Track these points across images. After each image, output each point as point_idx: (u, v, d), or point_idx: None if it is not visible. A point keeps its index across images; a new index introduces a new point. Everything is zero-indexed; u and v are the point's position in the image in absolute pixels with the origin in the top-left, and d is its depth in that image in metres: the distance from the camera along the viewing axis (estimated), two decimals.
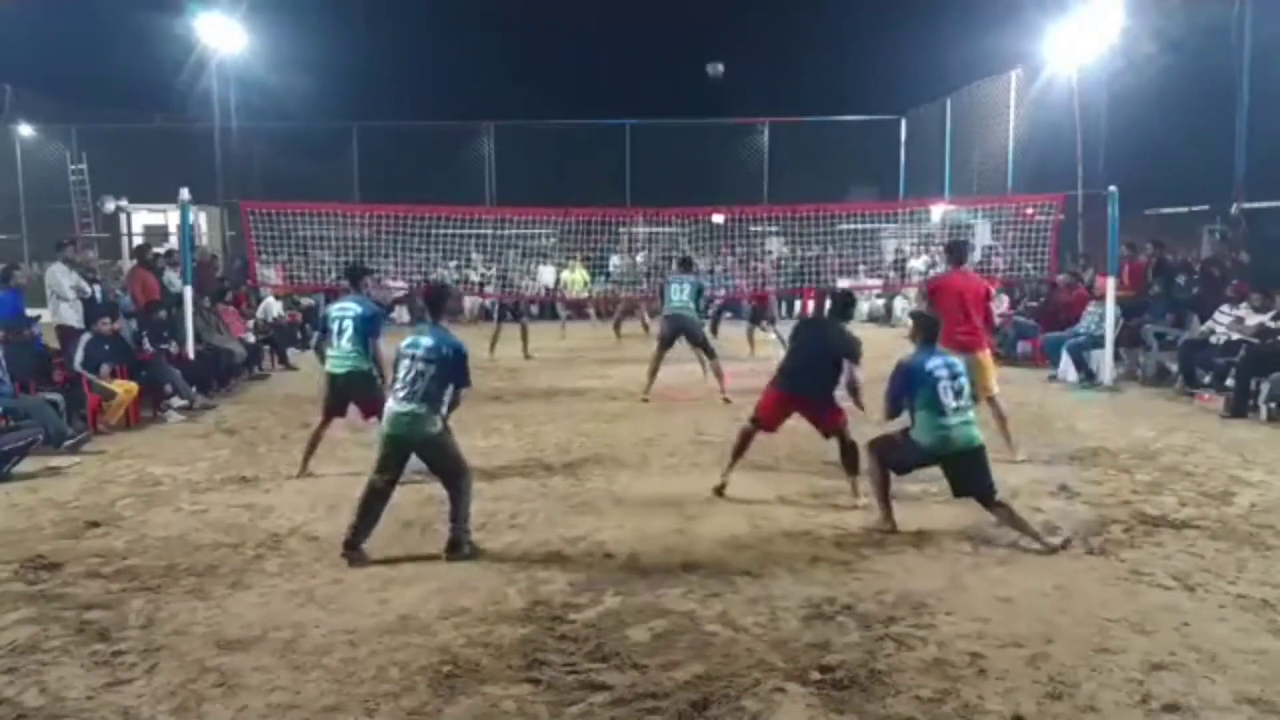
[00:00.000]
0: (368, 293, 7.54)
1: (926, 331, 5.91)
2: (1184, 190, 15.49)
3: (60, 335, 10.59)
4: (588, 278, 17.58)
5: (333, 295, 17.56)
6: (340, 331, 7.11)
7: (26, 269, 13.77)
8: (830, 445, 8.16)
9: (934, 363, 5.72)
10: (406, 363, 5.37)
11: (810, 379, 6.52)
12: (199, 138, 21.84)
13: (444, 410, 5.44)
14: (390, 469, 5.40)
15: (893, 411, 5.83)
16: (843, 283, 18.56)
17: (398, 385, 5.36)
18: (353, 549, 5.34)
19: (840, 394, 6.58)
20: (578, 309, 17.68)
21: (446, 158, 23.95)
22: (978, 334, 7.53)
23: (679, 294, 10.75)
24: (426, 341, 5.38)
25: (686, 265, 11.71)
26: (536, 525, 6.01)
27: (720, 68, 19.47)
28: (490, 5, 28.25)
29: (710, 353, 10.70)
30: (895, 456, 5.88)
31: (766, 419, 6.66)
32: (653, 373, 10.72)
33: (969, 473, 5.66)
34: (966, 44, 20.04)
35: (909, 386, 5.71)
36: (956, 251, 8.00)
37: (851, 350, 6.45)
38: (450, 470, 5.47)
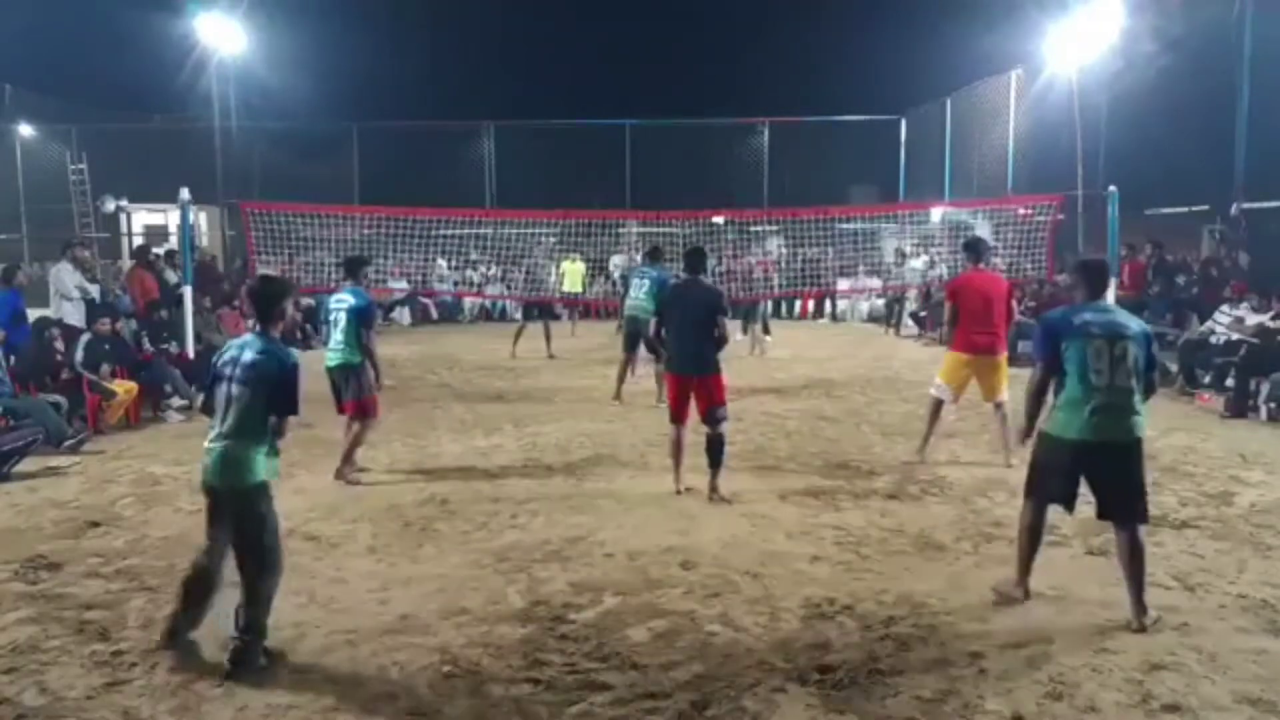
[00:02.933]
0: (366, 284, 7.39)
1: (1090, 282, 4.56)
2: (1184, 190, 15.52)
3: (62, 335, 10.56)
4: (583, 270, 16.89)
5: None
6: (335, 324, 7.06)
7: (27, 269, 13.72)
8: (830, 444, 8.24)
9: (1085, 316, 4.34)
10: (222, 386, 4.01)
11: (692, 349, 6.55)
12: (199, 138, 21.82)
13: (267, 448, 4.01)
14: (218, 537, 4.07)
15: (1043, 380, 4.51)
16: (843, 283, 18.66)
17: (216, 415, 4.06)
18: (172, 640, 4.10)
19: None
20: (570, 307, 17.13)
21: (446, 158, 23.93)
22: (998, 336, 7.24)
23: (638, 290, 9.58)
24: (246, 356, 4.01)
25: (655, 255, 10.43)
26: (536, 525, 5.99)
27: None
28: (490, 5, 28.34)
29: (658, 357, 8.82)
30: (1040, 482, 4.55)
31: (676, 409, 6.69)
32: (621, 376, 10.18)
33: (1113, 477, 4.36)
34: (966, 44, 20.09)
35: (1044, 342, 4.45)
36: (975, 249, 7.51)
37: (718, 302, 6.64)
38: (253, 547, 4.00)
